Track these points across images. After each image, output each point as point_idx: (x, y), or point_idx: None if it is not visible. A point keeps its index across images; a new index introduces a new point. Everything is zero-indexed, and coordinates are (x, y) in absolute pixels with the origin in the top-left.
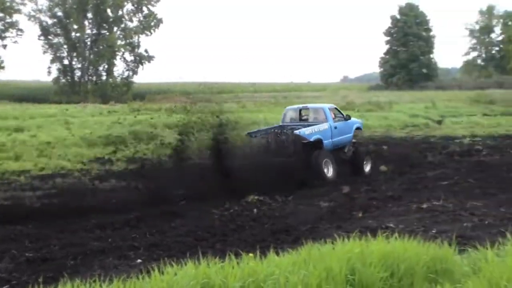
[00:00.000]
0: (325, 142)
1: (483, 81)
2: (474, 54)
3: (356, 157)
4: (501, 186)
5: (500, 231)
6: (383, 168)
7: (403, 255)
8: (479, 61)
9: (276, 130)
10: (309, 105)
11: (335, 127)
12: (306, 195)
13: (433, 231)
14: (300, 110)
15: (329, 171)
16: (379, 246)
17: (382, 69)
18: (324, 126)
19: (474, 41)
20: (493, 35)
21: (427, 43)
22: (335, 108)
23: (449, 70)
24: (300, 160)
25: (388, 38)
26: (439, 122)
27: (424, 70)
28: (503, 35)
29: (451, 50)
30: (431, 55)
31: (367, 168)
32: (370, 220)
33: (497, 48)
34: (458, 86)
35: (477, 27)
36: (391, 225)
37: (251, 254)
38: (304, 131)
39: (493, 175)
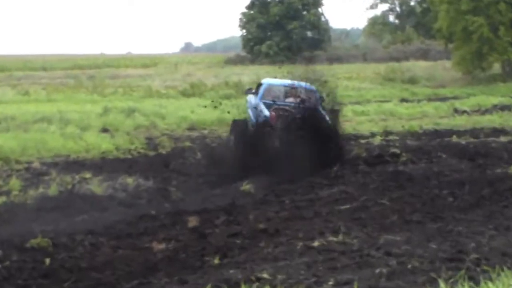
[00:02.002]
0: None
1: (399, 48)
2: (384, 7)
3: None
4: (429, 210)
5: (430, 279)
6: (246, 187)
7: None
8: (391, 18)
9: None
10: (296, 84)
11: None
12: (128, 232)
13: (330, 283)
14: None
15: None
16: None
17: (244, 31)
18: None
19: None
20: None
21: None
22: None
23: (347, 32)
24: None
25: None
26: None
27: (310, 33)
28: None
29: (349, 3)
30: (320, 9)
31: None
32: (232, 269)
33: None
34: (362, 57)
35: None
36: (265, 275)
37: None
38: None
39: (417, 193)
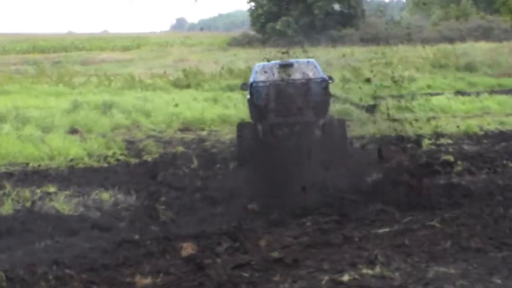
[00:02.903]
0: None
1: (453, 26)
2: None
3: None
4: (492, 235)
5: None
6: (255, 205)
7: None
8: None
9: (278, 82)
10: (292, 60)
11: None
12: (104, 262)
13: None
14: (280, 67)
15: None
16: None
17: (252, 4)
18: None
19: None
20: None
21: None
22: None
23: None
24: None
25: None
26: (371, 110)
27: (337, 6)
28: None
29: None
30: None
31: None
32: None
33: None
34: (405, 37)
35: None
36: None
37: None
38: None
39: (476, 212)
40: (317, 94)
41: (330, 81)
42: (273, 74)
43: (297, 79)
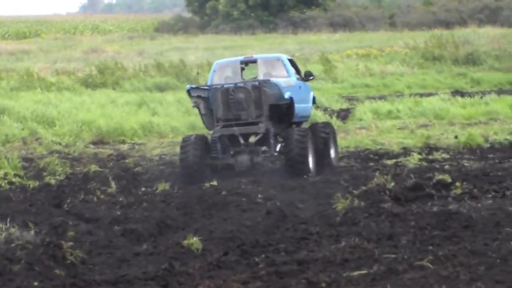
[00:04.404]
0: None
1: (450, 7)
2: None
3: (316, 138)
4: (500, 277)
5: None
6: (192, 240)
7: None
8: None
9: (226, 85)
10: (256, 56)
11: (300, 88)
12: None
13: None
14: (243, 64)
15: (311, 161)
16: None
17: None
18: (291, 81)
19: None
20: None
21: None
22: (291, 60)
23: None
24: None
25: None
26: (343, 116)
27: None
28: None
29: None
30: None
31: (333, 152)
32: None
33: None
34: (388, 21)
35: None
36: None
37: None
38: (280, 82)
39: (480, 248)
40: (272, 100)
41: (311, 78)
42: (234, 75)
43: (251, 82)
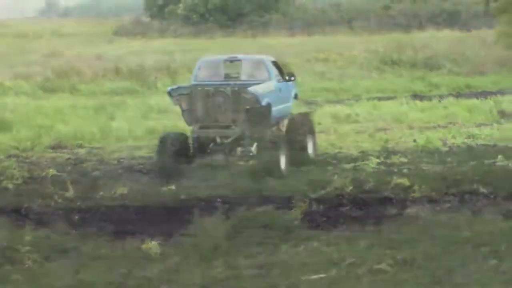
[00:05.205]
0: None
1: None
2: None
3: (295, 133)
4: (459, 280)
5: None
6: (151, 244)
7: None
8: None
9: (206, 88)
10: (240, 56)
11: (280, 90)
12: None
13: None
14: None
15: (283, 161)
16: None
17: None
18: (270, 86)
19: None
20: None
21: None
22: (274, 62)
23: None
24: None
25: None
26: None
27: None
28: None
29: None
30: None
31: (310, 147)
32: None
33: None
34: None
35: None
36: None
37: None
38: (256, 90)
39: (438, 252)
40: (249, 105)
41: (293, 78)
42: (217, 72)
43: (230, 87)
